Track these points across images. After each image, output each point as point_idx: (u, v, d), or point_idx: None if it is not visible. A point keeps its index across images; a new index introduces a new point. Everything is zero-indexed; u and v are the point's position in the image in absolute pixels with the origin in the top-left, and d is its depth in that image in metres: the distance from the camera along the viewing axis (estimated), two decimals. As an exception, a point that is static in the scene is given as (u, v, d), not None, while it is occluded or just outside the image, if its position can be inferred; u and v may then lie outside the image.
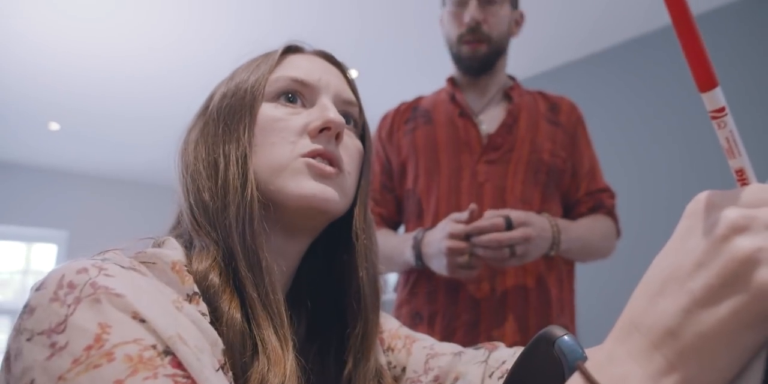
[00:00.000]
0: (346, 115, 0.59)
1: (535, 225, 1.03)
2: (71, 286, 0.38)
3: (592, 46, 3.44)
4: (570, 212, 1.27)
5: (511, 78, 1.34)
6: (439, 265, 1.06)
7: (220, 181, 0.51)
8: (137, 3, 3.05)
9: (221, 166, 0.51)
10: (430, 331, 1.13)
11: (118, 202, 5.91)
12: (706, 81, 0.32)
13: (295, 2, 3.10)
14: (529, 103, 1.27)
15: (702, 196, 0.30)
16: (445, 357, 0.61)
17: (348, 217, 0.58)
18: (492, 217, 1.02)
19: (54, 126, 4.60)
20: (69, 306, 0.37)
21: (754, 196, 0.29)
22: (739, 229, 0.28)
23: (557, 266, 1.19)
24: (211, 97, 0.59)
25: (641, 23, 3.24)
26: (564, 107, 1.29)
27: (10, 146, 5.02)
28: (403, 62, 3.62)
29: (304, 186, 0.51)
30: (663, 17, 3.19)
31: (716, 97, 0.32)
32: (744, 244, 0.27)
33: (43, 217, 5.48)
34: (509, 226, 1.00)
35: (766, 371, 0.28)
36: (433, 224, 1.16)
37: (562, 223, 1.12)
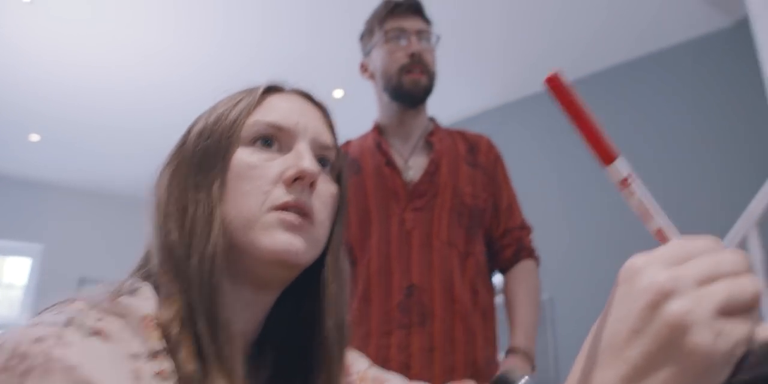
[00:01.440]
0: (323, 159, 0.59)
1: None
2: (24, 356, 0.37)
3: (583, 69, 3.48)
4: (496, 256, 1.33)
5: (431, 119, 1.42)
6: None
7: (187, 227, 0.51)
8: (122, 14, 3.04)
9: (190, 211, 0.52)
10: None
11: (95, 216, 5.84)
12: (606, 156, 0.34)
13: (284, 20, 3.11)
14: (449, 148, 1.35)
15: (629, 262, 0.31)
16: None
17: (318, 263, 0.57)
18: None
19: (34, 137, 4.54)
20: (18, 376, 0.36)
21: (677, 252, 0.31)
22: (666, 294, 0.28)
23: (481, 305, 1.25)
24: (188, 132, 0.58)
25: (632, 48, 3.29)
26: (482, 147, 1.38)
27: (-12, 156, 4.95)
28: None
29: (276, 239, 0.51)
30: (643, 47, 3.24)
31: (619, 169, 0.34)
32: (673, 309, 0.28)
33: (17, 230, 5.39)
34: None
35: None
36: (367, 272, 1.22)
37: (525, 341, 1.19)
